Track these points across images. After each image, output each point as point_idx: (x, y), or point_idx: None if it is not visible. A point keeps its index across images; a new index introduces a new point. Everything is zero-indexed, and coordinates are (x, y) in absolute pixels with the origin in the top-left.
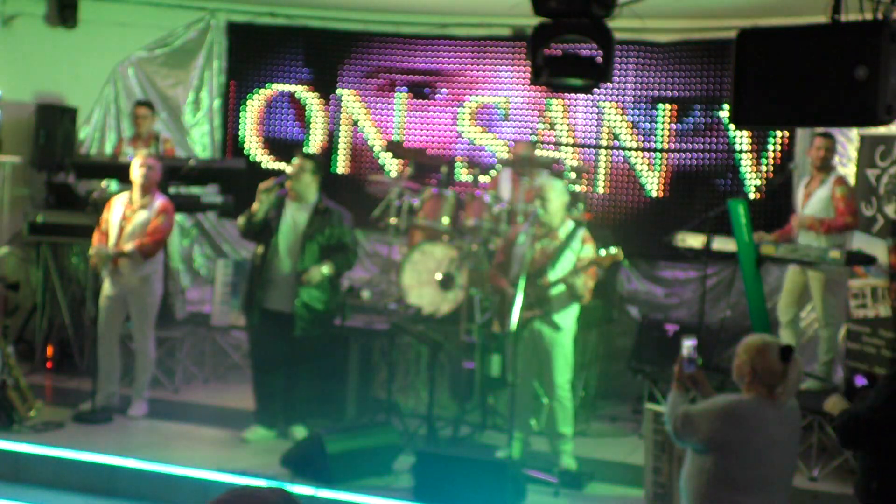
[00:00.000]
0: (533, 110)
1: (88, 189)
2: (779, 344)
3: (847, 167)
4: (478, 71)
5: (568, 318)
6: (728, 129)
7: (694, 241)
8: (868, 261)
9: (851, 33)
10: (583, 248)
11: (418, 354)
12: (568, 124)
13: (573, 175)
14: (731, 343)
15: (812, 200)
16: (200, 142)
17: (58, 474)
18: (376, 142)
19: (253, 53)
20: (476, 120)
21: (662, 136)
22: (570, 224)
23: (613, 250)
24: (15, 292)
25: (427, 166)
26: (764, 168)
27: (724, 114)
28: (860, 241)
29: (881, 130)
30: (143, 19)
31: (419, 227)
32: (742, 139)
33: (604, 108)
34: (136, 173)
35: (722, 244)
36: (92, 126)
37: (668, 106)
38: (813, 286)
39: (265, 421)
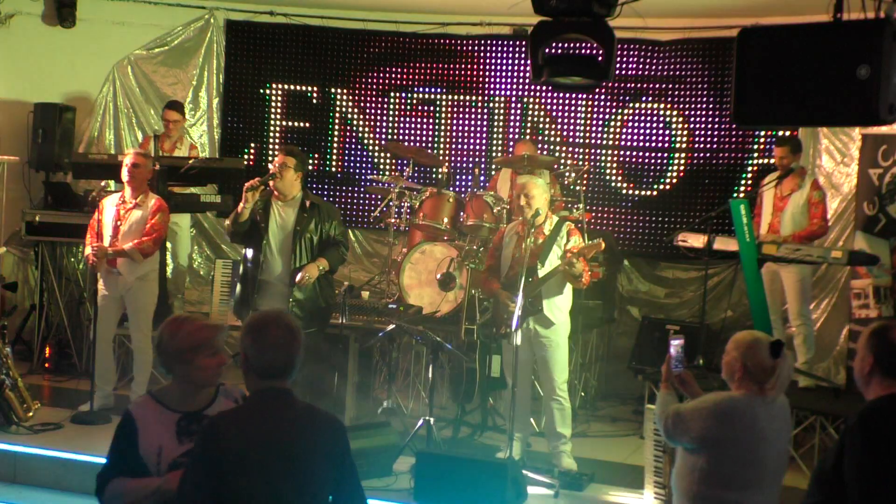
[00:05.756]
0: (533, 110)
1: (87, 189)
2: (769, 339)
3: (849, 167)
4: (478, 70)
5: (561, 314)
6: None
7: (695, 240)
8: (870, 261)
9: (853, 32)
10: (569, 241)
11: (418, 354)
12: (568, 123)
13: (573, 175)
14: None
15: (790, 203)
16: (199, 141)
17: (56, 475)
18: (375, 141)
19: (252, 52)
20: None
21: (662, 135)
22: (554, 219)
23: (596, 240)
24: (13, 292)
25: (426, 166)
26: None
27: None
28: (862, 241)
29: (883, 130)
30: (142, 18)
31: (419, 227)
32: (742, 138)
33: (605, 107)
34: (125, 171)
35: (723, 244)
36: (90, 125)
37: (668, 105)
38: (787, 287)
39: None
